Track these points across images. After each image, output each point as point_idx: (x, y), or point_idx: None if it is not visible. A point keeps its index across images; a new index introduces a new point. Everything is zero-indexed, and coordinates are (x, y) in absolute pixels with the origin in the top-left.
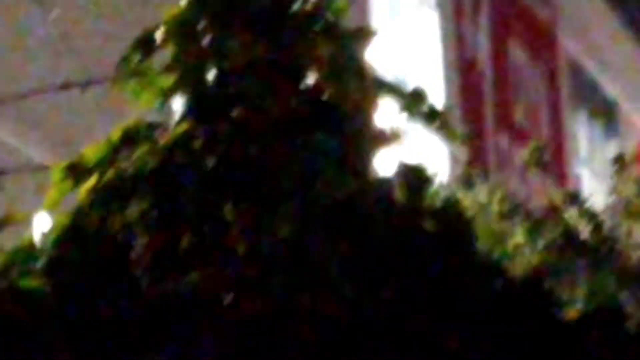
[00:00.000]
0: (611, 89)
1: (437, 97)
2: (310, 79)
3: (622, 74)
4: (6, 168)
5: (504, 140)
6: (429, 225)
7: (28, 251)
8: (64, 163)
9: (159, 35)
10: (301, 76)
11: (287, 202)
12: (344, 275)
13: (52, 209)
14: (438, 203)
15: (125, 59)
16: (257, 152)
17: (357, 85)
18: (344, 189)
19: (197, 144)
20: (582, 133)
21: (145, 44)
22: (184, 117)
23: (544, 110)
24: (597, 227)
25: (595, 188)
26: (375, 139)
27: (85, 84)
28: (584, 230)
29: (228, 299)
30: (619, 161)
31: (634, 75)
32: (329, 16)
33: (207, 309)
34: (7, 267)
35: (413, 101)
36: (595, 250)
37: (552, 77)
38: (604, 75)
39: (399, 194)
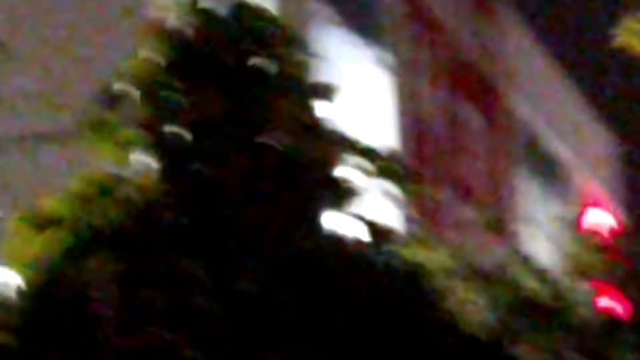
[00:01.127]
0: (552, 141)
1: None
2: (271, 134)
3: (567, 132)
4: None
5: (447, 195)
6: (386, 282)
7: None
8: (23, 213)
9: (119, 87)
10: (260, 130)
11: (248, 258)
12: (305, 329)
13: (13, 260)
14: (395, 260)
15: (86, 111)
16: (218, 207)
17: (315, 141)
18: (299, 245)
19: (163, 200)
20: (522, 184)
21: (107, 96)
22: (147, 173)
23: (485, 160)
24: (546, 284)
25: (534, 245)
26: (334, 193)
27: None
28: (532, 288)
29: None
30: (566, 221)
31: (575, 128)
32: (291, 72)
33: None
34: None
35: (370, 158)
36: (545, 308)
37: (493, 128)
38: (548, 133)
39: (355, 250)
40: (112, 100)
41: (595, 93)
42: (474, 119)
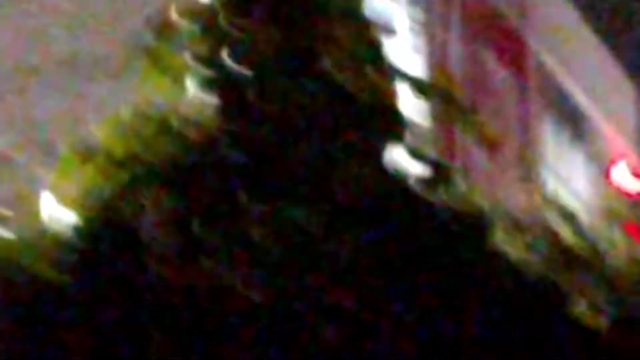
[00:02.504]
0: (579, 96)
1: None
2: (327, 62)
3: (590, 82)
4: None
5: (472, 144)
6: (448, 219)
7: (47, 241)
8: (72, 143)
9: (173, 15)
10: (318, 60)
11: (310, 196)
12: (363, 267)
13: (59, 189)
14: (455, 198)
15: (137, 39)
16: (275, 140)
17: (375, 73)
18: (364, 183)
19: (213, 130)
20: (549, 138)
21: (159, 24)
22: (203, 108)
23: (513, 115)
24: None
25: (560, 193)
26: (395, 128)
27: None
28: (564, 232)
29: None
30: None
31: (602, 83)
32: (347, 4)
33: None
34: (30, 260)
35: (426, 87)
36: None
37: (522, 82)
38: (572, 83)
39: (418, 188)
40: (168, 31)
41: (625, 50)
42: (503, 72)
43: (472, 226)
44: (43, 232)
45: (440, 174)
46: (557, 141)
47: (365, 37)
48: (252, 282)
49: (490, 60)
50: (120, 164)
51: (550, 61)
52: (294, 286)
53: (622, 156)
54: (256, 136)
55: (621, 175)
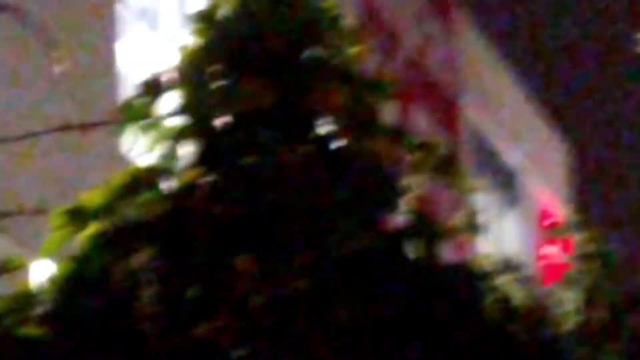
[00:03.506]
0: (512, 158)
1: None
2: (324, 127)
3: (524, 143)
4: (6, 211)
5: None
6: (439, 281)
7: (25, 298)
8: (64, 208)
9: (167, 78)
10: (314, 124)
11: (302, 254)
12: (356, 327)
13: (50, 255)
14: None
15: (130, 101)
16: (268, 201)
17: (372, 137)
18: (357, 242)
19: (207, 191)
20: (480, 202)
21: (153, 87)
22: (193, 164)
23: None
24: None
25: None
26: (389, 191)
27: (86, 126)
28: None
29: (240, 352)
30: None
31: (536, 145)
32: (344, 63)
33: None
34: (3, 314)
35: (426, 152)
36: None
37: (453, 145)
38: (505, 144)
39: (410, 248)
40: (157, 87)
41: (549, 98)
42: (429, 128)
43: (464, 292)
44: (22, 288)
45: (435, 234)
46: (489, 202)
47: (361, 101)
48: (244, 348)
49: (417, 115)
50: (108, 222)
51: (482, 120)
52: (290, 351)
53: (551, 216)
54: (245, 192)
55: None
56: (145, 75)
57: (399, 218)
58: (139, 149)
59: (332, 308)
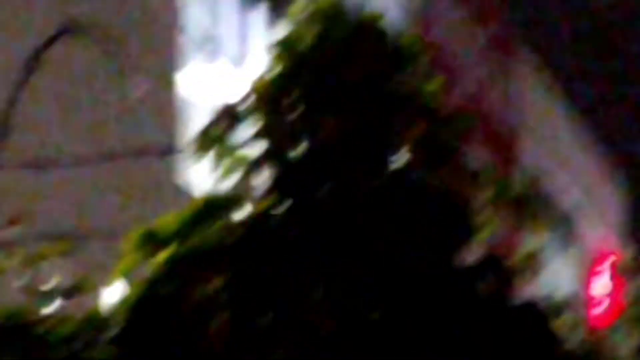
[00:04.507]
0: (570, 198)
1: None
2: (401, 160)
3: (582, 183)
4: (77, 233)
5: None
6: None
7: (96, 321)
8: (138, 232)
9: (245, 105)
10: (391, 156)
11: (375, 286)
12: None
13: (124, 276)
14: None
15: (208, 127)
16: (343, 232)
17: (448, 172)
18: (429, 278)
19: (280, 220)
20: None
21: (231, 113)
22: (267, 193)
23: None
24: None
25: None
26: (467, 228)
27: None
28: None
29: None
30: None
31: (594, 185)
32: (424, 97)
33: None
34: (72, 337)
35: (503, 189)
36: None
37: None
38: (563, 184)
39: (483, 285)
40: (233, 117)
41: (606, 139)
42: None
43: (535, 323)
44: (92, 311)
45: (507, 273)
46: (546, 243)
47: (439, 135)
48: None
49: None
50: (180, 249)
51: (540, 160)
52: None
53: (606, 256)
54: (318, 225)
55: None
56: (207, 103)
57: (473, 254)
58: (210, 177)
59: (403, 341)
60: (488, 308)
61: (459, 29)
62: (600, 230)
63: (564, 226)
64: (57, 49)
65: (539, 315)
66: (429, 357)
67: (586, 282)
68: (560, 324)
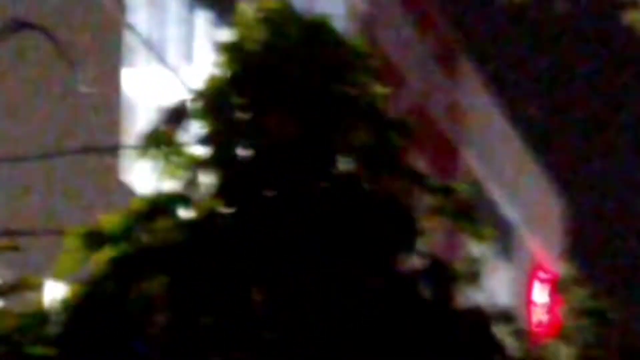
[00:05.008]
0: (509, 210)
1: None
2: (345, 164)
3: (521, 196)
4: (18, 229)
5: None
6: (455, 326)
7: (37, 318)
8: (82, 230)
9: (191, 106)
10: (336, 160)
11: (315, 291)
12: None
13: (65, 275)
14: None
15: (154, 127)
16: (285, 236)
17: (392, 177)
18: (368, 285)
19: (225, 222)
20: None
21: (178, 113)
22: (212, 194)
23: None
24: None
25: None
26: (409, 234)
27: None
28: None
29: None
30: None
31: (533, 199)
32: (370, 101)
33: None
34: (12, 332)
35: (445, 197)
36: None
37: None
38: (503, 196)
39: (426, 291)
40: (179, 116)
41: (549, 154)
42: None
43: (477, 327)
44: (33, 308)
45: (450, 277)
46: (484, 254)
47: (383, 140)
48: None
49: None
50: (122, 247)
51: (480, 171)
52: None
53: (545, 269)
54: (262, 225)
55: (540, 293)
56: (152, 103)
57: (415, 260)
58: (156, 177)
59: (343, 346)
60: (430, 312)
61: (404, 37)
62: (539, 244)
63: (504, 238)
64: (4, 46)
65: (481, 321)
66: None
67: (526, 293)
68: (502, 331)
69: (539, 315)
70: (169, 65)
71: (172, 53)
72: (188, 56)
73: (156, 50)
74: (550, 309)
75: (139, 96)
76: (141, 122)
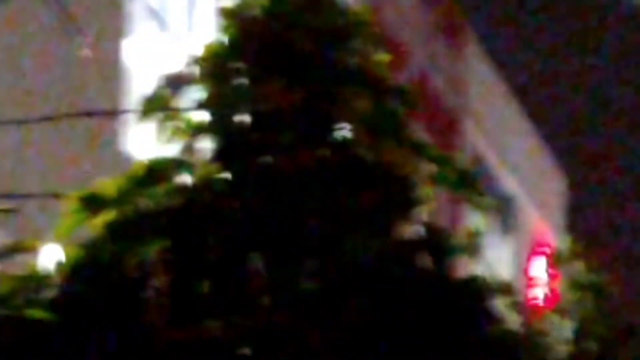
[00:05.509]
0: (510, 184)
1: None
2: (344, 132)
3: (522, 170)
4: (16, 194)
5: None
6: (450, 294)
7: (35, 280)
8: (80, 193)
9: (191, 72)
10: (335, 128)
11: (313, 257)
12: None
13: (63, 238)
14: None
15: (154, 93)
16: (283, 202)
17: (393, 145)
18: (368, 251)
19: (221, 188)
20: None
21: (176, 79)
22: (210, 160)
23: (442, 199)
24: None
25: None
26: (408, 202)
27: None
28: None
29: (244, 351)
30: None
31: (534, 173)
32: (370, 69)
33: None
34: (10, 295)
35: (446, 166)
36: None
37: None
38: (504, 170)
39: (422, 259)
40: (178, 82)
41: (548, 128)
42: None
43: (474, 298)
44: (31, 271)
45: (448, 246)
46: (486, 227)
47: (384, 108)
48: (249, 347)
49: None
50: (119, 211)
51: (481, 145)
52: (294, 354)
53: (544, 244)
54: (259, 192)
55: (540, 267)
56: (152, 70)
57: (413, 229)
58: (155, 142)
59: (340, 313)
60: (428, 282)
61: (407, 8)
62: (539, 218)
63: (504, 211)
64: (4, 11)
65: (479, 293)
66: (363, 330)
67: (525, 267)
68: (501, 304)
69: (538, 289)
70: (171, 32)
71: (174, 20)
72: (190, 23)
73: (158, 17)
74: (549, 283)
75: (141, 63)
76: (142, 88)
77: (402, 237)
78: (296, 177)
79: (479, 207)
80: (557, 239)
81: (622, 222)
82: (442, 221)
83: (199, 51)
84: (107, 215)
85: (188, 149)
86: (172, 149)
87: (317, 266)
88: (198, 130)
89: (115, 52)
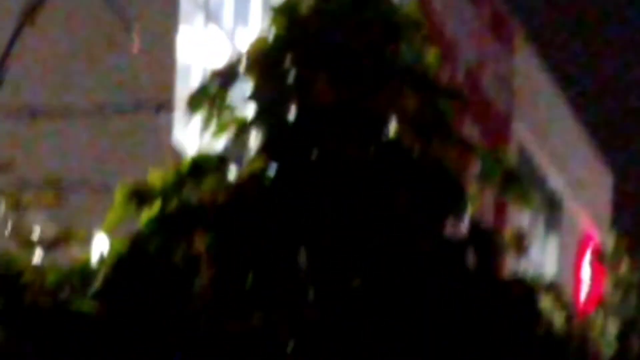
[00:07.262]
0: (557, 182)
1: None
2: (394, 130)
3: (570, 169)
4: (67, 184)
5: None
6: (498, 294)
7: (83, 273)
8: (127, 186)
9: (241, 66)
10: (385, 126)
11: (360, 254)
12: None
13: (110, 231)
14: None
15: (203, 86)
16: (331, 199)
17: (441, 144)
18: (415, 249)
19: (269, 182)
20: (524, 224)
21: (226, 73)
22: (259, 154)
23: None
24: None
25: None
26: (457, 201)
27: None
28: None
29: (289, 344)
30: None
31: (581, 172)
32: (420, 69)
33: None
34: (58, 287)
35: (494, 164)
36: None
37: None
38: (551, 169)
39: (470, 259)
40: (228, 77)
41: (597, 127)
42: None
43: (522, 298)
44: (79, 263)
45: (495, 246)
46: (532, 225)
47: (434, 107)
48: (293, 341)
49: (468, 131)
50: (166, 205)
51: (529, 142)
52: (338, 348)
53: (591, 244)
54: (306, 188)
55: (586, 265)
56: (204, 64)
57: (463, 227)
58: (203, 137)
59: (385, 309)
60: (475, 281)
61: (456, 5)
62: (586, 217)
63: (551, 210)
64: (58, 3)
65: (526, 292)
66: (411, 328)
67: (571, 266)
68: (547, 303)
69: (585, 288)
70: (224, 27)
71: (228, 15)
72: (244, 19)
73: (212, 12)
74: (596, 281)
75: (192, 57)
76: (193, 83)
77: (451, 236)
78: (344, 174)
79: (524, 203)
80: (603, 237)
81: None
82: (489, 219)
83: (249, 46)
84: (154, 209)
85: (237, 143)
86: (220, 143)
87: (365, 263)
88: (246, 124)
89: (167, 46)
